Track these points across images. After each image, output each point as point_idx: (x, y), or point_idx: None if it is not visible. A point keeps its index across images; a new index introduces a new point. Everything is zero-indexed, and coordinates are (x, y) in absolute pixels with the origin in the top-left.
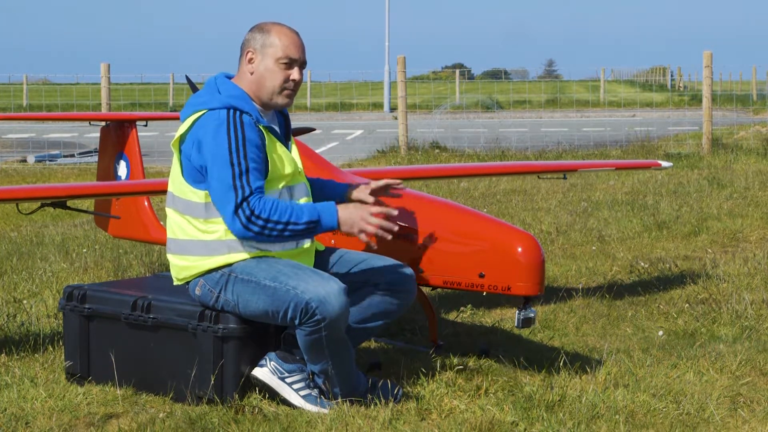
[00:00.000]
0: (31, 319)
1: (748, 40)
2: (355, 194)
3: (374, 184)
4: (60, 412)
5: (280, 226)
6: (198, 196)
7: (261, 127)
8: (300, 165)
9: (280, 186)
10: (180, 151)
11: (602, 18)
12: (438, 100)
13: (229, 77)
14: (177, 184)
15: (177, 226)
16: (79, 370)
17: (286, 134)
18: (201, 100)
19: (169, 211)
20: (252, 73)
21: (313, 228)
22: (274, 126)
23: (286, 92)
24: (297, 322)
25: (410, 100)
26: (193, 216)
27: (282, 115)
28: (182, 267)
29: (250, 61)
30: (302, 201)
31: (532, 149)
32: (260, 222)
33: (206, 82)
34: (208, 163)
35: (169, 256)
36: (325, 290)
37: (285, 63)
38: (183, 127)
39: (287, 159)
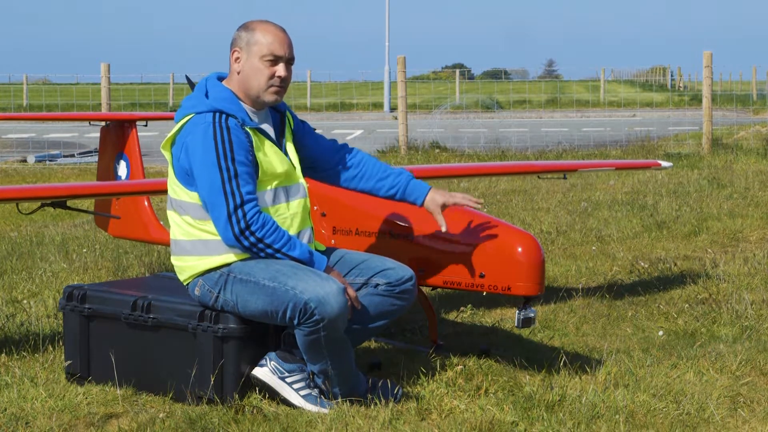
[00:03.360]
0: (31, 319)
1: (748, 40)
2: (431, 206)
3: (454, 200)
4: (60, 412)
5: (269, 250)
6: (190, 197)
7: (248, 129)
8: (297, 164)
9: (272, 186)
10: (171, 153)
11: (602, 18)
12: (438, 100)
13: (222, 77)
14: (172, 185)
15: (177, 227)
16: (79, 370)
17: (282, 131)
18: (190, 104)
19: (169, 212)
20: (239, 72)
21: (299, 263)
22: (262, 126)
23: (272, 89)
24: (296, 322)
25: (410, 100)
26: (190, 216)
27: (278, 112)
28: (182, 267)
29: (237, 60)
30: (298, 201)
31: (532, 149)
32: (253, 239)
33: (198, 83)
34: (195, 167)
35: (172, 258)
36: (324, 290)
37: (270, 60)
38: (174, 129)
39: (278, 158)
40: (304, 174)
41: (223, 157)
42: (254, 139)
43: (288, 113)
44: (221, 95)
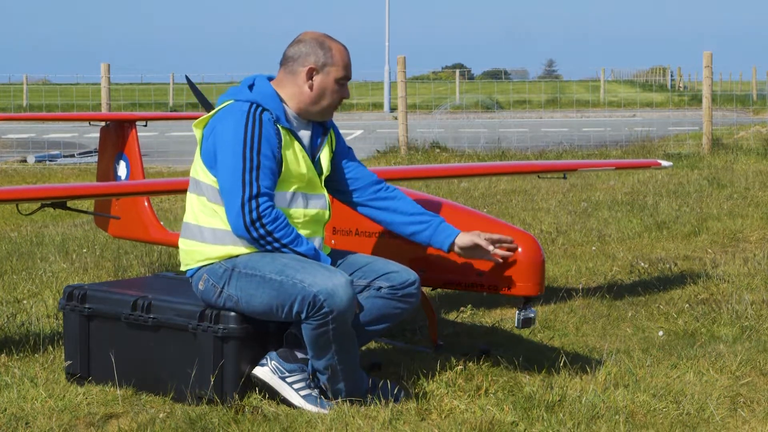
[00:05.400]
0: (31, 319)
1: (748, 40)
2: (464, 242)
3: (487, 238)
4: (60, 412)
5: (277, 245)
6: (210, 179)
7: (280, 127)
8: (323, 175)
9: (293, 188)
10: (202, 133)
11: (602, 18)
12: (438, 100)
13: (270, 78)
14: (195, 166)
15: (191, 210)
16: (79, 370)
17: (321, 143)
18: (233, 91)
19: (189, 195)
20: (311, 88)
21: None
22: (298, 131)
23: (335, 109)
24: (304, 315)
25: (410, 100)
26: (206, 198)
27: (321, 125)
28: (187, 252)
29: (311, 76)
30: (316, 211)
31: (532, 149)
32: (262, 231)
33: (245, 79)
34: (220, 152)
35: (180, 239)
36: (333, 283)
37: (343, 83)
38: (211, 112)
39: (305, 162)
40: (333, 194)
41: (249, 148)
42: (284, 137)
43: (333, 131)
44: (265, 91)
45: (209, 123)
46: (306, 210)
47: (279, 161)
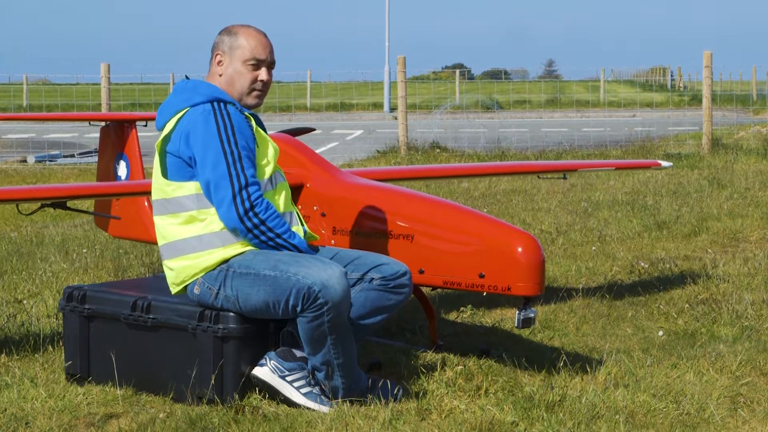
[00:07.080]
0: (31, 319)
1: (748, 40)
2: None
3: None
4: (60, 412)
5: (270, 234)
6: (187, 189)
7: (246, 115)
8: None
9: (268, 175)
10: (165, 153)
11: (602, 18)
12: (438, 100)
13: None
14: (162, 187)
15: (166, 229)
16: (79, 370)
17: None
18: (179, 100)
19: (156, 219)
20: (221, 75)
21: (294, 252)
22: (256, 114)
23: (255, 93)
24: (299, 309)
25: (410, 100)
26: (184, 212)
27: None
28: (180, 269)
29: (219, 63)
30: (280, 184)
31: (532, 149)
32: (256, 220)
33: (175, 87)
34: (198, 154)
35: (165, 263)
36: (327, 274)
37: (253, 64)
38: (167, 129)
39: (271, 145)
40: None
41: (227, 141)
42: (251, 123)
43: None
44: (213, 87)
45: (173, 136)
46: (283, 182)
47: (254, 148)
